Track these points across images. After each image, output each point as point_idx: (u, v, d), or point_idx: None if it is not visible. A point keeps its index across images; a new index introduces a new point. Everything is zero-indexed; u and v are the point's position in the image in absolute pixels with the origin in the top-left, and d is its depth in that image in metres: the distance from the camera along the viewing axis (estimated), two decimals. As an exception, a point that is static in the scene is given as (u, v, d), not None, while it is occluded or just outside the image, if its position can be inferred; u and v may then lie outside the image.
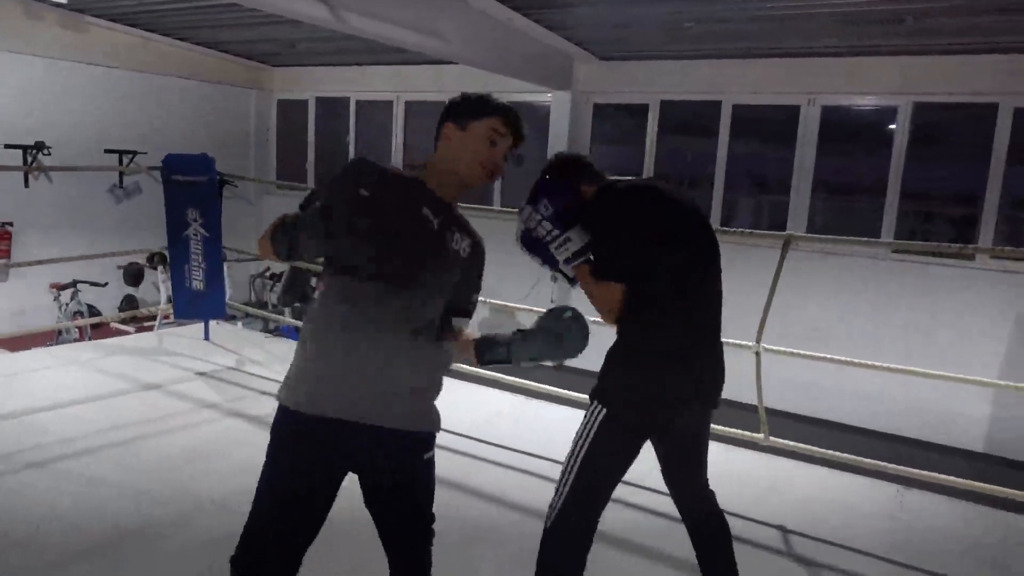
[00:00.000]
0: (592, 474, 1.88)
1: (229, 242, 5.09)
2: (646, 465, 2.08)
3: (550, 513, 1.93)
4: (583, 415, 1.95)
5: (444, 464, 1.81)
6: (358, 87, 9.53)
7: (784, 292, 3.30)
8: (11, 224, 7.74)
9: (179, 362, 4.61)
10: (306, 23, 5.95)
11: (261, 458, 1.63)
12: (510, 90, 8.33)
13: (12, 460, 3.16)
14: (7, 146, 7.62)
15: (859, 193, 7.28)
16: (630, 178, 2.03)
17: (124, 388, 4.14)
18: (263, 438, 1.65)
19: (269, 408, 3.79)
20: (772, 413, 3.47)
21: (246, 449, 3.21)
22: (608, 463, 1.91)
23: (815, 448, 3.33)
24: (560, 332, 1.72)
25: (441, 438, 1.74)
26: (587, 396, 1.97)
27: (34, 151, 7.80)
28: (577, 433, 1.93)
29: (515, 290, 8.34)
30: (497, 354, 1.75)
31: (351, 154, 9.73)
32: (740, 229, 6.50)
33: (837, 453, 3.30)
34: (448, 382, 1.74)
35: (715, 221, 7.54)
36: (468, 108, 1.72)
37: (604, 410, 1.89)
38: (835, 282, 6.82)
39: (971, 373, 4.22)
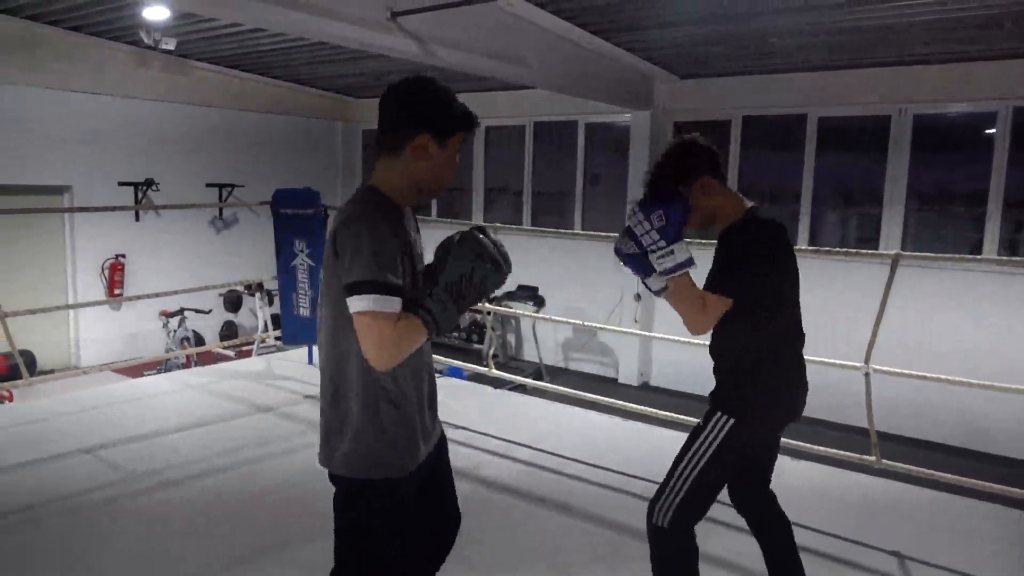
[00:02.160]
0: (711, 476, 2.06)
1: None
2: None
3: (662, 511, 2.06)
4: (705, 422, 2.09)
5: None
6: (439, 115, 9.80)
7: (886, 308, 3.23)
8: (124, 256, 8.30)
9: (287, 385, 4.85)
10: (392, 57, 6.21)
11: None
12: (589, 111, 8.43)
13: (152, 478, 3.40)
14: (121, 184, 8.20)
15: (956, 203, 7.00)
16: (755, 209, 2.13)
17: (240, 411, 4.39)
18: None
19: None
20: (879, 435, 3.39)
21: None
22: (727, 468, 2.10)
23: (932, 471, 3.22)
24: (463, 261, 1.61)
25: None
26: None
27: (144, 187, 8.37)
28: (701, 438, 2.08)
29: (600, 309, 8.38)
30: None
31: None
32: (847, 249, 6.41)
33: (956, 476, 3.19)
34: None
35: (803, 236, 7.40)
36: (450, 122, 1.64)
37: (732, 420, 2.04)
38: (938, 296, 6.57)
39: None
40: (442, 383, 2.00)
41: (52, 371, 7.34)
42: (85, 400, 4.55)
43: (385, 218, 1.58)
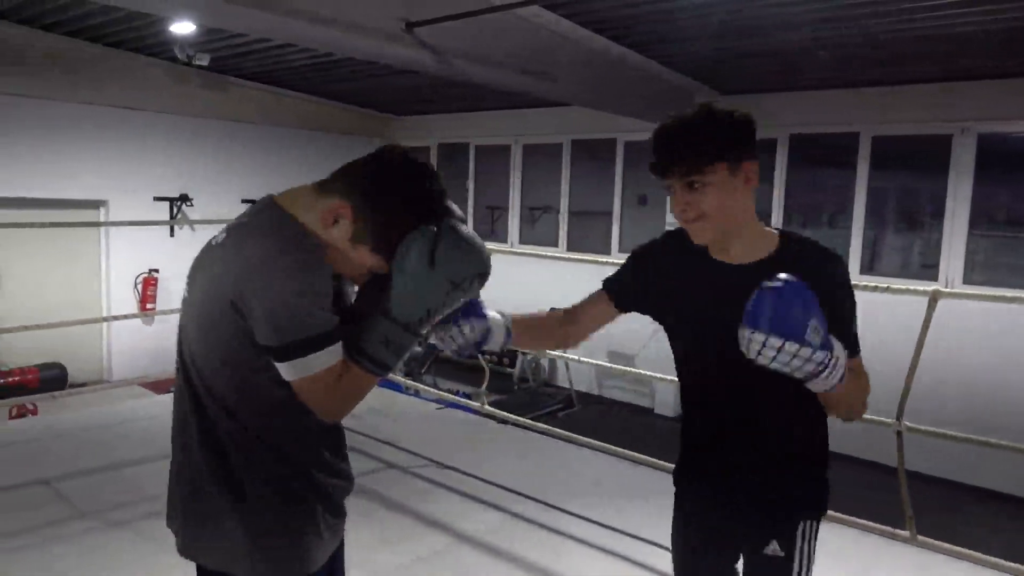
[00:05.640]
0: None
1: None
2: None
3: None
4: (788, 547, 1.51)
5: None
6: (478, 132, 9.63)
7: (932, 343, 2.72)
8: (157, 271, 8.33)
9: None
10: (423, 72, 6.04)
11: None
12: (627, 129, 8.07)
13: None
14: (156, 199, 8.27)
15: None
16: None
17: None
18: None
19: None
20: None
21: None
22: None
23: (971, 552, 2.69)
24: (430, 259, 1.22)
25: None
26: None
27: (179, 203, 8.42)
28: (796, 561, 1.50)
29: (634, 338, 7.95)
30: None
31: (471, 198, 9.81)
32: (877, 283, 5.71)
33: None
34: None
35: (855, 261, 6.86)
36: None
37: (816, 523, 1.52)
38: (991, 331, 5.94)
39: None
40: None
41: (84, 384, 7.37)
42: (103, 416, 4.42)
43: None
